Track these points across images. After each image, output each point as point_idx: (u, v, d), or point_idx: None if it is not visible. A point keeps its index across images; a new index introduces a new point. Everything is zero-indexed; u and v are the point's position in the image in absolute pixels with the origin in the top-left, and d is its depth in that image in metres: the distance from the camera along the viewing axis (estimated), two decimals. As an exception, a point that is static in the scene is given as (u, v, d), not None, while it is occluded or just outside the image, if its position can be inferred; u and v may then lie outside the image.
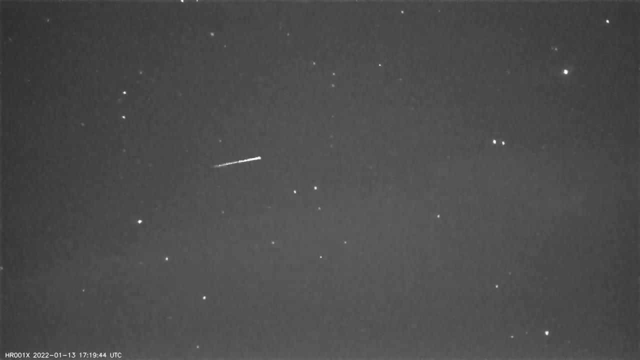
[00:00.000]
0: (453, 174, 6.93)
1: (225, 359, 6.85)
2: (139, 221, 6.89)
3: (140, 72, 6.90)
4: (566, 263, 6.90)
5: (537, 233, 6.90)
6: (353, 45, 6.94)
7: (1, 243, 6.76)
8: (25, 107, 6.85)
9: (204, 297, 6.87)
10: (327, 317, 6.88)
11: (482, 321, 6.86)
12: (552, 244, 6.91)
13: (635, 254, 6.85)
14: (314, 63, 6.94)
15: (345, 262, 6.91)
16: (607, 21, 6.90)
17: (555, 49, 6.91)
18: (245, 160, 5.80)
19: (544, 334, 6.84)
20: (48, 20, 6.87)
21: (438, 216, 6.91)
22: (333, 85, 6.94)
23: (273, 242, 6.92)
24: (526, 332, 6.85)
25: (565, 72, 6.90)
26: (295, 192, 6.94)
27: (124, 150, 6.89)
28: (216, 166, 5.99)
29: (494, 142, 6.93)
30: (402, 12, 6.94)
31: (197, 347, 6.85)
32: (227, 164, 5.86)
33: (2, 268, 6.77)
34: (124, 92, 6.89)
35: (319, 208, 6.93)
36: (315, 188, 6.94)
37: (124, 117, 6.90)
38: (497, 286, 6.89)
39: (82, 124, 6.88)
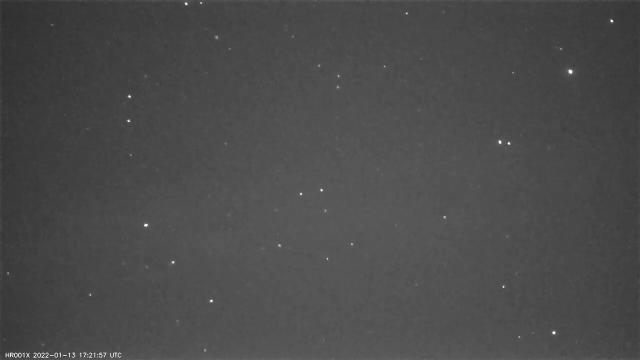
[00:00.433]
0: (459, 175, 6.93)
1: (233, 362, 6.86)
2: (145, 225, 6.89)
3: (145, 76, 6.89)
4: (569, 263, 6.90)
5: (543, 234, 6.90)
6: (358, 47, 6.94)
7: (1, 243, 6.76)
8: (26, 107, 6.84)
9: (211, 300, 6.87)
10: (335, 319, 6.88)
11: (489, 322, 6.86)
12: (557, 244, 6.91)
13: (636, 254, 6.86)
14: (319, 65, 6.94)
15: (352, 263, 6.91)
16: (612, 20, 6.91)
17: (560, 48, 6.91)
18: None
19: (551, 334, 6.85)
20: (52, 23, 6.87)
21: (444, 217, 6.91)
22: (338, 87, 6.94)
23: (280, 245, 6.91)
24: (533, 333, 6.85)
25: (571, 71, 6.90)
26: (301, 194, 6.94)
27: (130, 154, 6.89)
28: None
29: (500, 142, 6.93)
30: (406, 13, 6.94)
31: (205, 350, 6.85)
32: None
33: (1, 268, 6.76)
34: (129, 96, 6.89)
35: (325, 210, 6.93)
36: (322, 190, 6.94)
37: (129, 120, 6.89)
38: (503, 287, 6.89)
39: (88, 128, 6.87)
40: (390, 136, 6.95)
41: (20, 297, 6.79)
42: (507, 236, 6.92)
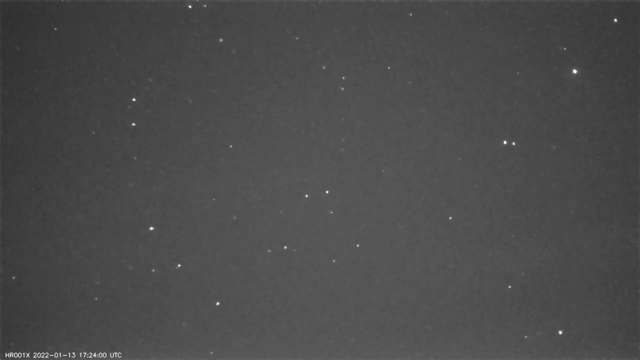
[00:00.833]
0: (464, 175, 6.94)
1: (240, 364, 6.87)
2: (151, 228, 6.88)
3: (150, 79, 6.88)
4: (570, 263, 6.92)
5: (548, 233, 6.92)
6: (362, 48, 6.94)
7: (1, 243, 6.75)
8: (26, 108, 6.83)
9: (217, 303, 6.87)
10: (341, 321, 6.89)
11: (496, 322, 6.87)
12: (562, 244, 6.92)
13: (635, 254, 6.87)
14: (323, 67, 6.93)
15: (357, 265, 6.92)
16: (615, 20, 6.91)
17: (564, 48, 6.91)
18: None
19: (558, 333, 6.86)
20: (53, 24, 6.85)
21: (450, 218, 6.92)
22: (342, 89, 6.94)
23: (285, 247, 6.92)
24: (539, 333, 6.87)
25: (575, 71, 6.91)
26: (307, 196, 6.94)
27: (135, 157, 6.88)
28: None
29: (505, 142, 6.94)
30: (410, 14, 6.94)
31: (211, 352, 6.85)
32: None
33: (1, 268, 6.75)
34: (134, 99, 6.88)
35: (331, 212, 6.94)
36: (327, 192, 6.94)
37: (134, 124, 6.88)
38: (510, 287, 6.90)
39: (93, 132, 6.86)
40: (395, 138, 6.95)
41: (20, 297, 6.78)
42: (512, 236, 6.93)
